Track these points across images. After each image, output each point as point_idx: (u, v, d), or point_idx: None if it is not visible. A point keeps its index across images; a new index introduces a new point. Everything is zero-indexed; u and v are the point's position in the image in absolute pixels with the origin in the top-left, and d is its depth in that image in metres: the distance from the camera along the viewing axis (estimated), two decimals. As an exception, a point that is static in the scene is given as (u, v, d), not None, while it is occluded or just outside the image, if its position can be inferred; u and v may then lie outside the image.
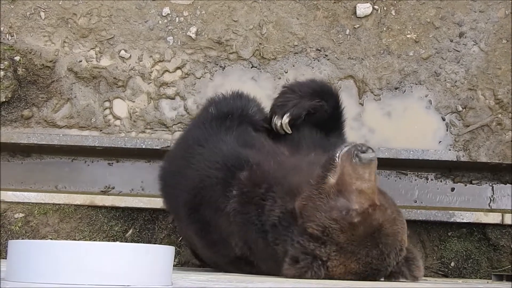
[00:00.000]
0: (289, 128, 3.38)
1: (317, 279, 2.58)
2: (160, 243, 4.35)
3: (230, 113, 3.35)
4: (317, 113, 3.43)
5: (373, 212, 2.59)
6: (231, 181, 3.03)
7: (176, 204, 3.35)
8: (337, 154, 2.64)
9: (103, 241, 4.38)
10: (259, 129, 3.41)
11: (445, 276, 4.35)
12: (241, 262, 3.05)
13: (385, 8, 4.46)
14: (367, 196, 2.59)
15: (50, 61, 4.49)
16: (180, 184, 3.28)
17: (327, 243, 2.60)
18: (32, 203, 4.41)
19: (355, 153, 2.59)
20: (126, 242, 4.24)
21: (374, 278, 2.65)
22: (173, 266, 2.01)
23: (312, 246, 2.62)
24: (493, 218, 4.28)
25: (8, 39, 4.51)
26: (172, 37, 4.48)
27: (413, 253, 2.80)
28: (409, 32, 4.44)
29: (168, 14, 4.50)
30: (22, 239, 4.31)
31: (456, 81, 4.41)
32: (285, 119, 3.36)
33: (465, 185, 4.47)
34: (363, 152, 2.59)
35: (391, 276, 2.71)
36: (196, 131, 3.39)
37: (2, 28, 4.52)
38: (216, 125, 3.31)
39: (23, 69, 4.46)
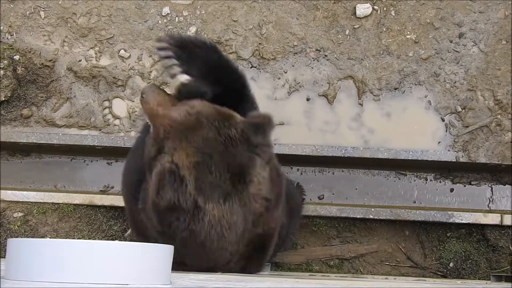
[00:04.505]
0: None
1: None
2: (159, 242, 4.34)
3: None
4: None
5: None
6: None
7: None
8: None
9: (102, 240, 4.38)
10: None
11: (444, 276, 4.35)
12: None
13: (384, 9, 4.46)
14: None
15: (50, 60, 4.49)
16: None
17: None
18: (31, 202, 4.41)
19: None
20: (125, 241, 4.23)
21: None
22: (172, 265, 2.01)
23: None
24: (492, 219, 4.28)
25: (7, 38, 4.51)
26: (171, 37, 4.48)
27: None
28: (408, 32, 4.45)
29: (167, 13, 4.50)
30: (21, 238, 4.31)
31: (455, 82, 4.41)
32: None
33: (464, 186, 4.47)
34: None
35: None
36: None
37: (1, 27, 4.52)
38: None
39: (23, 68, 4.46)
